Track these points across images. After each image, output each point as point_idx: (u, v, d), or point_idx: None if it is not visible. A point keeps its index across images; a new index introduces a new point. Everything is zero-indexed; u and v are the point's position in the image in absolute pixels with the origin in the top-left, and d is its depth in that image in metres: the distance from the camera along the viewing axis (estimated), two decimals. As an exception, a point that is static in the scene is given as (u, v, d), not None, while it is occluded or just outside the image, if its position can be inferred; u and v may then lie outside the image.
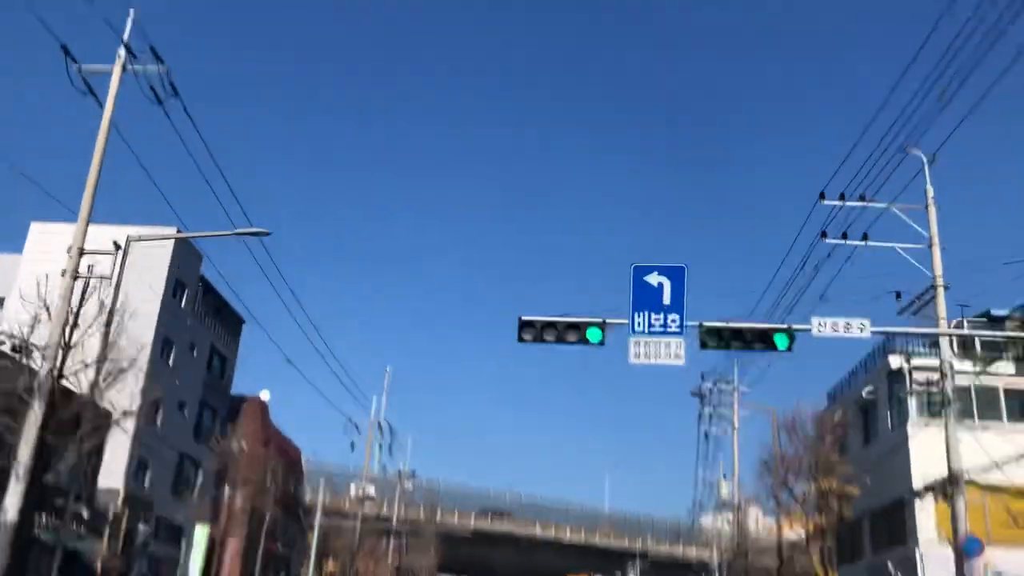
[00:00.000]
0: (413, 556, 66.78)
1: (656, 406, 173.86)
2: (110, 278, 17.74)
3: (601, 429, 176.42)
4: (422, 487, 71.60)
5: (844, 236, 18.20)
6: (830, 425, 29.00)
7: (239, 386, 45.78)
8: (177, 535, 38.13)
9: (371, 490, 42.55)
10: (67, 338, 16.26)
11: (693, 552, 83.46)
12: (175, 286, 38.02)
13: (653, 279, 15.97)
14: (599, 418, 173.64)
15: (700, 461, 42.56)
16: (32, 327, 17.94)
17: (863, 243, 18.14)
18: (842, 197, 18.22)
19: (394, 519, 53.99)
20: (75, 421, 19.68)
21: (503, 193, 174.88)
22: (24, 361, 18.80)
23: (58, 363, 15.70)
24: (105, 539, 29.46)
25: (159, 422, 35.73)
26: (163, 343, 36.82)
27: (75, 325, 16.83)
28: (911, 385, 26.05)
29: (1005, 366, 26.25)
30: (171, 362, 37.70)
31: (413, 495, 71.32)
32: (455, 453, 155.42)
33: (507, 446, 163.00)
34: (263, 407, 45.29)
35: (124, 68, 16.31)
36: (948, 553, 17.11)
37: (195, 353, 41.05)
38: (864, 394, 29.18)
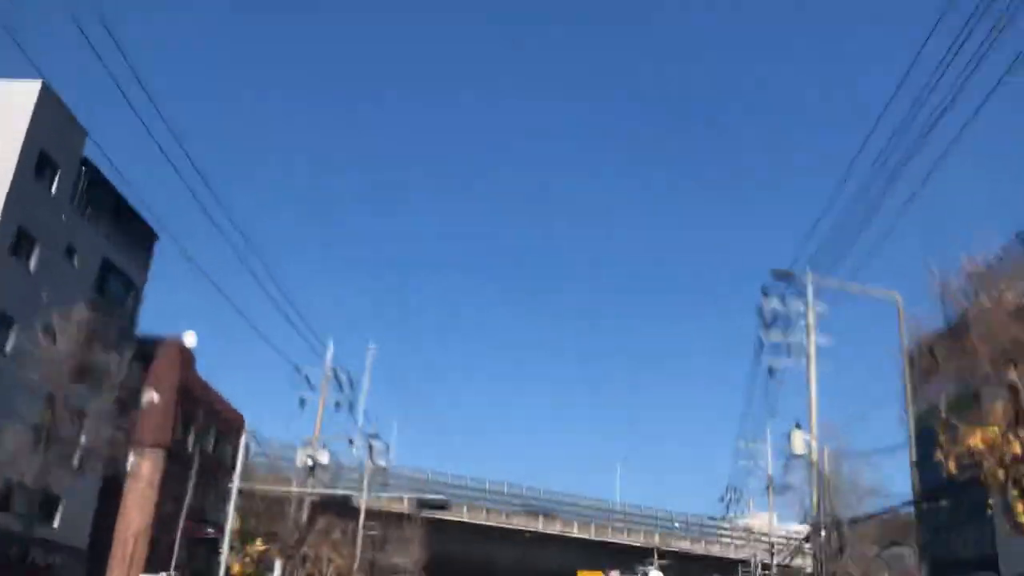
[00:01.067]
0: (394, 552, 56.36)
1: (672, 388, 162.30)
2: None
3: (612, 416, 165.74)
4: (406, 476, 61.56)
5: None
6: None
7: (156, 325, 35.92)
8: (51, 508, 28.18)
9: (324, 457, 32.33)
10: None
11: (717, 549, 73.23)
12: (39, 160, 28.06)
13: None
14: (610, 403, 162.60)
15: (747, 418, 32.30)
16: None
17: None
18: None
19: (363, 498, 43.79)
20: None
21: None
22: None
23: None
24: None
25: (7, 348, 25.79)
26: (16, 237, 26.85)
27: None
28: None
29: None
30: (32, 266, 27.70)
31: (395, 484, 61.47)
32: (449, 445, 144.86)
33: (508, 437, 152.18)
34: (185, 354, 35.39)
35: None
36: None
37: (76, 262, 30.81)
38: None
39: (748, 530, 69.38)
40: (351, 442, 42.66)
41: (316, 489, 35.04)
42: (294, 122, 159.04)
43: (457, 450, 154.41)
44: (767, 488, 40.59)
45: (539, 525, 65.84)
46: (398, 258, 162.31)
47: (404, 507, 60.25)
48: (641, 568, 60.56)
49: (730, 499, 49.30)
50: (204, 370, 39.64)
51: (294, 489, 33.20)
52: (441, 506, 28.61)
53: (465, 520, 62.82)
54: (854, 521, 22.94)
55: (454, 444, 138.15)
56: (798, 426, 25.72)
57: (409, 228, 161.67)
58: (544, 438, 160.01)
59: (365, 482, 50.32)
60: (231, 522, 25.12)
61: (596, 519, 68.79)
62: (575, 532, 67.30)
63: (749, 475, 46.04)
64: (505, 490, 65.15)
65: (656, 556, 64.90)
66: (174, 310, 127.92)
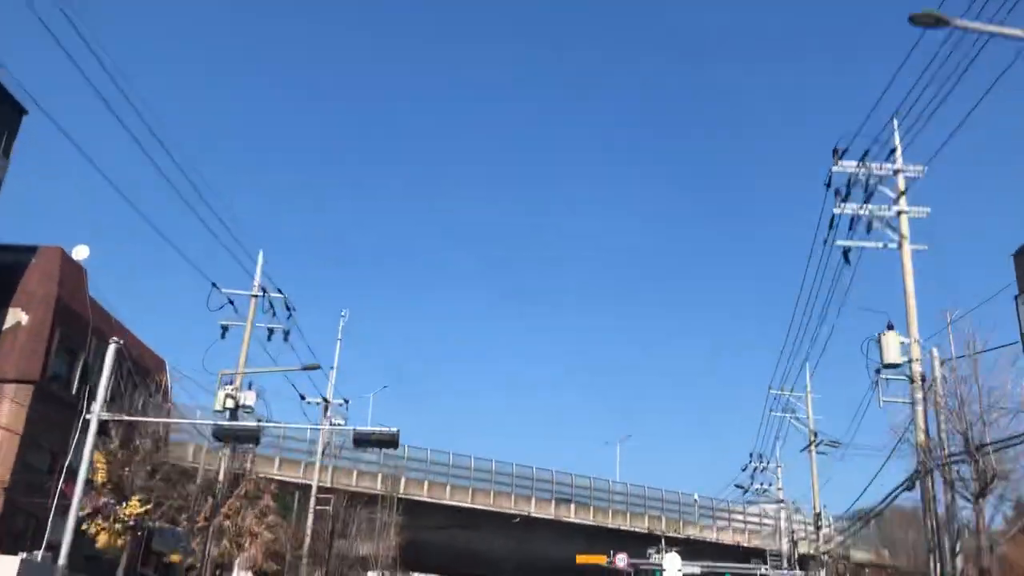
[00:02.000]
0: (362, 539, 48.81)
1: (677, 361, 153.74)
2: None
3: (612, 391, 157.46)
4: (378, 451, 53.73)
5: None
6: None
7: (28, 233, 28.16)
8: None
9: (249, 398, 24.60)
10: None
11: (729, 536, 65.63)
12: None
13: None
14: (608, 377, 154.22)
15: (802, 331, 24.66)
16: None
17: None
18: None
19: (316, 469, 36.17)
20: None
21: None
22: None
23: None
24: None
25: None
26: None
27: None
28: None
29: None
30: None
31: (367, 462, 53.91)
32: (433, 422, 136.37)
33: (494, 414, 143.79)
34: (69, 268, 27.43)
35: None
36: None
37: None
38: None
39: (766, 513, 61.87)
40: (303, 398, 35.15)
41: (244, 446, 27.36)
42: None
43: (440, 428, 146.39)
44: (809, 446, 32.94)
45: (531, 508, 58.23)
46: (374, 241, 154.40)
47: (376, 486, 52.69)
48: (654, 553, 52.98)
49: (755, 469, 41.76)
50: (119, 308, 32.08)
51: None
52: (389, 442, 20.80)
53: (447, 502, 55.17)
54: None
55: (437, 421, 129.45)
56: (891, 327, 18.11)
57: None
58: (537, 416, 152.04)
59: (319, 451, 42.79)
60: (85, 468, 17.54)
61: (596, 501, 61.16)
62: (572, 516, 59.71)
63: (780, 440, 38.44)
64: (493, 468, 57.47)
65: (664, 544, 57.32)
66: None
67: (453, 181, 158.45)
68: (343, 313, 59.95)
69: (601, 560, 41.26)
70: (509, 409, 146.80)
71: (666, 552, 45.27)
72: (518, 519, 57.30)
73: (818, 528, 37.31)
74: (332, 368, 43.24)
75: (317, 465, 39.06)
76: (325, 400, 35.00)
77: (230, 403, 25.38)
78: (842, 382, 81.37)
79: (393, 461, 53.67)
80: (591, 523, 60.18)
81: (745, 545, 66.24)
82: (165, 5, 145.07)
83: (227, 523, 25.47)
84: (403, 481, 53.66)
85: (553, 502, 59.22)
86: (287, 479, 46.09)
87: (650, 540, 58.37)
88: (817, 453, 32.68)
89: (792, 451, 38.30)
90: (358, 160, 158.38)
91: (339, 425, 34.26)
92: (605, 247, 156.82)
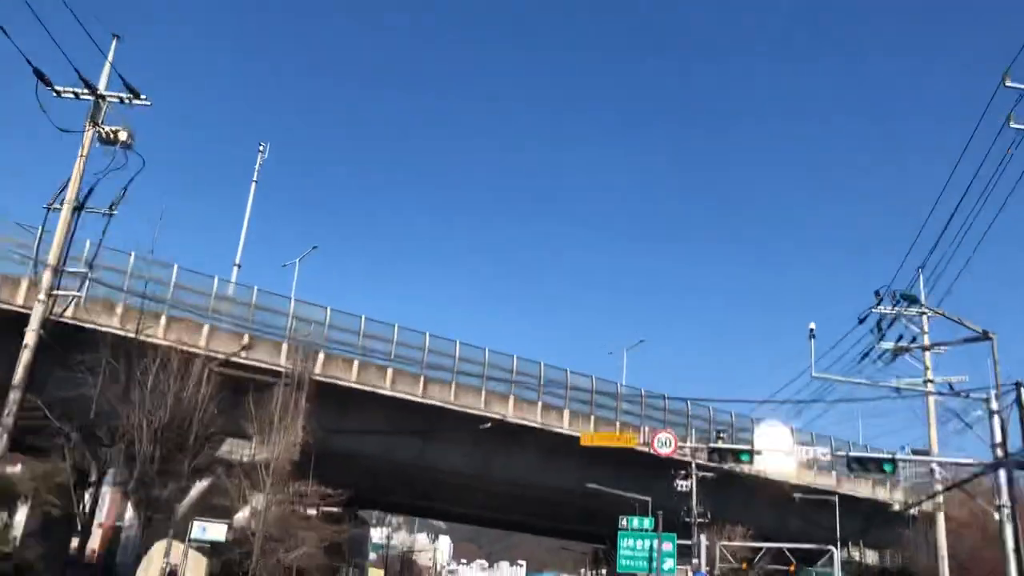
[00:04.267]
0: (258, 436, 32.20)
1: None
2: None
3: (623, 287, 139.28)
4: (281, 310, 36.67)
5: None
6: None
7: None
8: None
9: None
10: None
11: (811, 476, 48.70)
12: None
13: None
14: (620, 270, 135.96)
15: None
16: None
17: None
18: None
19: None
20: None
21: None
22: None
23: None
24: None
25: None
26: None
27: None
28: None
29: None
30: None
31: (271, 326, 37.01)
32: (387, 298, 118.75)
33: (469, 305, 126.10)
34: None
35: None
36: None
37: None
38: None
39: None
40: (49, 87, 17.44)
41: None
42: None
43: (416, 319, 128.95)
44: None
45: (508, 411, 41.18)
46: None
47: (276, 360, 35.58)
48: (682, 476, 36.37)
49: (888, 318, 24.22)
50: None
51: None
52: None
53: (385, 393, 38.03)
54: None
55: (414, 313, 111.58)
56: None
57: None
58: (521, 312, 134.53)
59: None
60: None
61: (600, 411, 44.17)
62: (564, 426, 42.71)
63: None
64: (457, 353, 40.24)
65: (694, 470, 40.50)
66: None
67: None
68: (261, 147, 42.77)
69: (629, 442, 23.06)
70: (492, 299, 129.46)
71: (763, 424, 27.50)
72: (488, 424, 40.31)
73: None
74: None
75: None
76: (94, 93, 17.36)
77: None
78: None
79: (307, 330, 36.46)
80: (594, 439, 43.17)
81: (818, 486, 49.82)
82: None
83: None
84: (320, 358, 36.47)
85: (539, 406, 42.19)
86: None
87: (677, 467, 41.57)
88: None
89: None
90: None
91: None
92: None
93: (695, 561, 37.33)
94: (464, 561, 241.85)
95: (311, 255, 41.71)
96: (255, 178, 40.83)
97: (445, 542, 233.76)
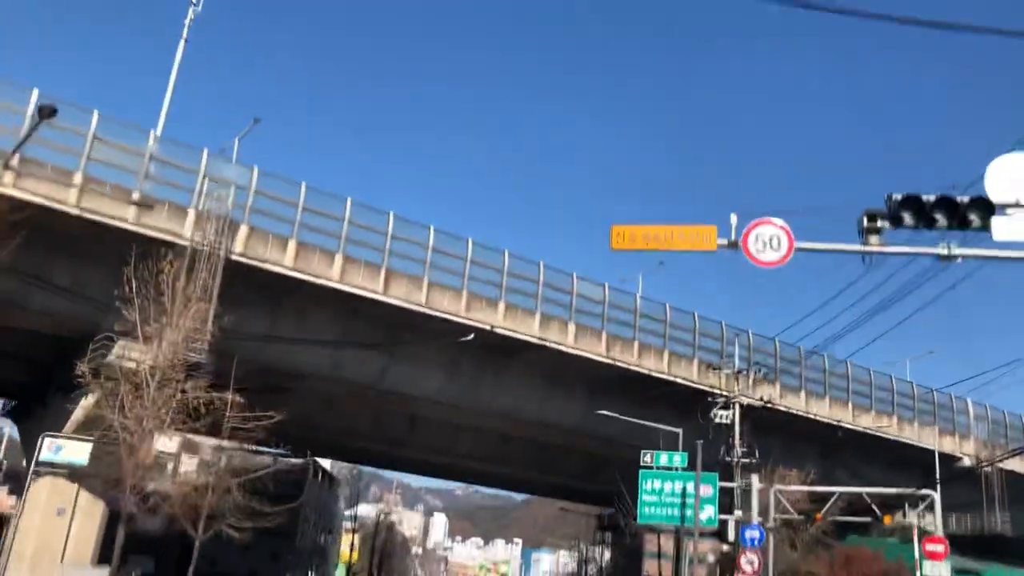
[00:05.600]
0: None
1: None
2: None
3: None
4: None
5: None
6: None
7: None
8: None
9: None
10: None
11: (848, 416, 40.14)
12: None
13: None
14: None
15: None
16: None
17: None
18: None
19: None
20: None
21: None
22: None
23: None
24: None
25: None
26: None
27: None
28: None
29: None
30: None
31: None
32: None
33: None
34: None
35: None
36: None
37: None
38: None
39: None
40: None
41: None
42: None
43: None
44: None
45: (497, 318, 31.78)
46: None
47: (179, 229, 26.22)
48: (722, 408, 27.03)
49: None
50: None
51: None
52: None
53: (333, 285, 28.56)
54: None
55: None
56: None
57: None
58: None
59: None
60: None
61: (613, 327, 34.76)
62: (568, 343, 33.33)
63: None
64: (431, 243, 30.71)
65: (736, 408, 31.10)
66: None
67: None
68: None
69: (701, 244, 12.95)
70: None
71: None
72: (471, 336, 30.96)
73: None
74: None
75: None
76: None
77: None
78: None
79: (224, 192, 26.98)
80: (603, 358, 33.93)
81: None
82: None
83: None
84: (242, 233, 27.01)
85: (537, 317, 32.77)
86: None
87: (703, 409, 32.04)
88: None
89: None
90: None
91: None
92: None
93: (737, 513, 28.11)
94: (459, 538, 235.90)
95: (255, 129, 32.18)
96: (185, 36, 31.46)
97: (440, 519, 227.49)
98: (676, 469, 27.35)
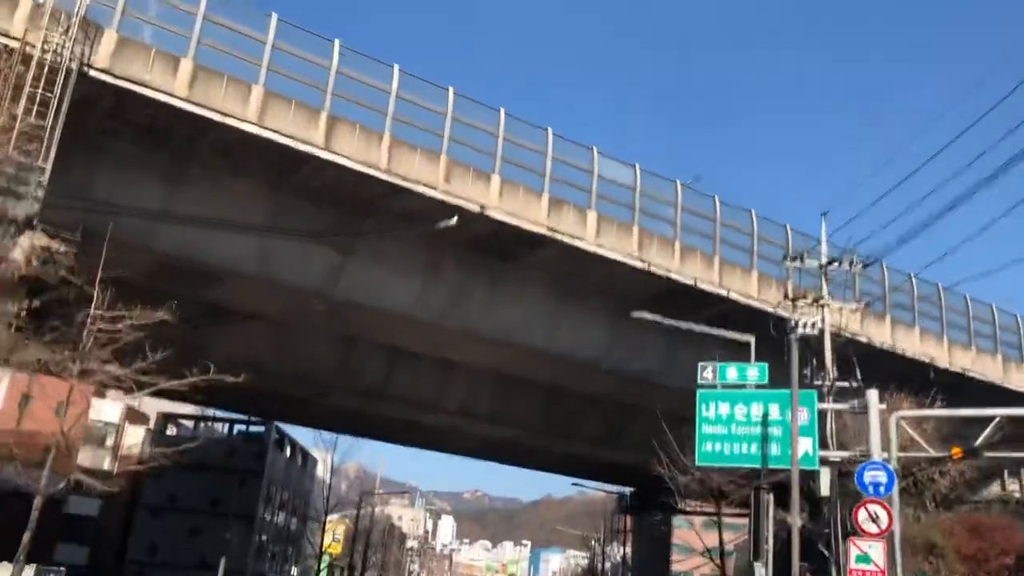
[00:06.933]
0: None
1: None
2: None
3: None
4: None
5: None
6: None
7: None
8: None
9: None
10: None
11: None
12: None
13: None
14: None
15: None
16: None
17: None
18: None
19: None
20: None
21: None
22: None
23: None
24: None
25: None
26: None
27: None
28: None
29: None
30: None
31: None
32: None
33: None
34: None
35: None
36: None
37: None
38: None
39: None
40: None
41: None
42: None
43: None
44: None
45: (487, 197, 22.92)
46: None
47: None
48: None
49: None
50: None
51: None
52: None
53: (249, 130, 19.76)
54: None
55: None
56: None
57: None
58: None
59: None
60: None
61: (649, 223, 25.88)
62: (587, 237, 24.47)
63: None
64: (394, 83, 21.86)
65: (827, 316, 22.05)
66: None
67: None
68: None
69: None
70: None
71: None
72: (454, 221, 22.17)
73: None
74: None
75: None
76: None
77: None
78: None
79: None
80: (635, 261, 25.10)
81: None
82: None
83: None
84: (109, 39, 18.24)
85: (545, 199, 23.94)
86: None
87: (765, 326, 23.09)
88: None
89: None
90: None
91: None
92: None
93: (830, 453, 19.24)
94: (467, 541, 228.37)
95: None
96: None
97: (448, 521, 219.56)
98: (744, 387, 18.55)
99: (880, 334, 30.07)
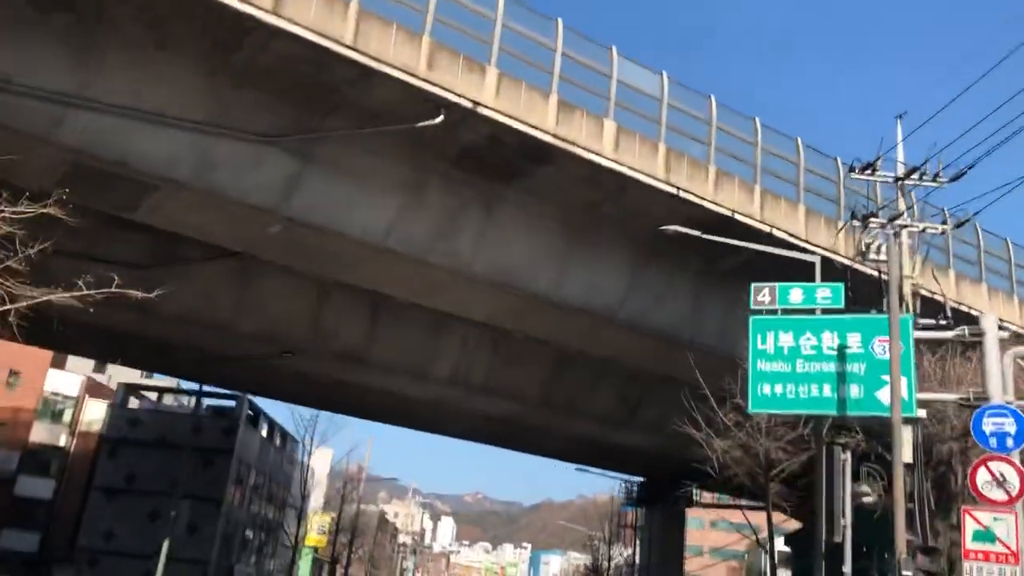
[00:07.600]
0: None
1: None
2: None
3: None
4: None
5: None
6: None
7: None
8: None
9: None
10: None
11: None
12: None
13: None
14: None
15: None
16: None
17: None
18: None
19: None
20: None
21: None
22: None
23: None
24: None
25: None
26: None
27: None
28: None
29: None
30: None
31: None
32: None
33: None
34: None
35: None
36: None
37: None
38: None
39: None
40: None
41: None
42: None
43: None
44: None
45: (480, 91, 18.46)
46: None
47: None
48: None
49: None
50: None
51: None
52: None
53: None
54: None
55: None
56: None
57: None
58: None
59: None
60: None
61: (674, 139, 21.41)
62: (603, 149, 19.99)
63: None
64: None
65: (904, 240, 17.57)
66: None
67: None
68: None
69: None
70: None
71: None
72: (439, 119, 17.74)
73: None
74: None
75: None
76: None
77: None
78: None
79: None
80: (661, 183, 20.65)
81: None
82: None
83: None
84: None
85: (554, 100, 19.48)
86: None
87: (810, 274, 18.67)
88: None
89: None
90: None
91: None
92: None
93: (930, 395, 14.78)
94: (467, 542, 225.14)
95: None
96: None
97: (448, 523, 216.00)
98: (812, 312, 14.13)
99: (978, 299, 25.70)
